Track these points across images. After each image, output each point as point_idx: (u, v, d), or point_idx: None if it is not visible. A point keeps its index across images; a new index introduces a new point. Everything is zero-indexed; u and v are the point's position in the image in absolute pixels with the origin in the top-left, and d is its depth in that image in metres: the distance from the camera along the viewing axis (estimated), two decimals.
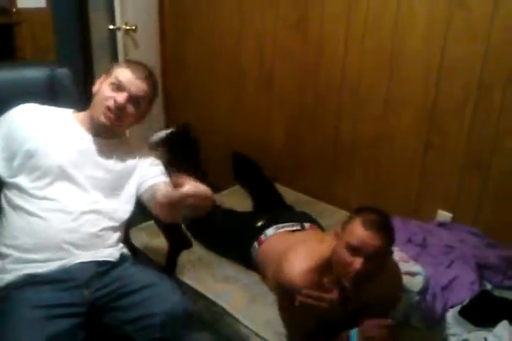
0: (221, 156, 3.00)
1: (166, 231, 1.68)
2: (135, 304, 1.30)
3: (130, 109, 1.44)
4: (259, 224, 2.02)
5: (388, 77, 2.24)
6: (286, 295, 1.65)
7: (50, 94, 1.61)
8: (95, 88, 1.48)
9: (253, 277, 2.03)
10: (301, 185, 2.69)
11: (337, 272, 1.50)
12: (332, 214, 2.47)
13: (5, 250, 1.33)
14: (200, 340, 1.31)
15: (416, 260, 1.97)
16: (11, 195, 1.38)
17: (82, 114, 1.51)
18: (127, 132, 1.64)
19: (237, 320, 1.82)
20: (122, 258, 1.44)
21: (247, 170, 2.74)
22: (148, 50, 3.01)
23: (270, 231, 1.96)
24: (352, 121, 2.43)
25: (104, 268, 1.37)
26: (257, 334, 1.76)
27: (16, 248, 1.32)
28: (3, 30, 2.43)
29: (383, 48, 2.21)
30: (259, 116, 2.83)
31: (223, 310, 1.87)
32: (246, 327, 1.79)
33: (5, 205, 1.39)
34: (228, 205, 2.38)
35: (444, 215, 2.23)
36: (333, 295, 1.53)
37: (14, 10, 2.40)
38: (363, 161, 2.45)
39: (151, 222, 2.04)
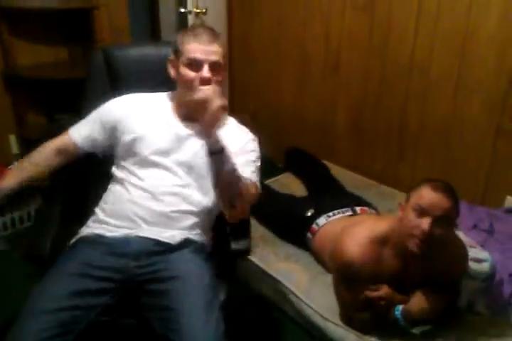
0: (284, 140, 3.04)
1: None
2: (162, 292, 1.31)
3: (216, 76, 1.41)
4: (309, 214, 2.03)
5: (460, 60, 2.20)
6: (343, 280, 1.68)
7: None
8: (172, 73, 1.48)
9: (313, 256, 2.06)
10: (363, 168, 2.70)
11: (403, 238, 1.51)
12: (395, 197, 2.46)
13: (97, 210, 1.48)
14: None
15: (482, 246, 1.96)
16: (116, 165, 1.53)
17: (175, 97, 1.52)
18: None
19: (300, 299, 1.87)
20: (185, 243, 1.42)
21: (299, 160, 2.73)
22: None
23: (321, 220, 1.97)
24: (420, 105, 2.40)
25: (160, 248, 1.39)
26: (319, 314, 1.80)
27: (101, 209, 1.46)
28: (82, 15, 2.55)
29: (456, 31, 2.17)
30: (323, 100, 2.84)
31: (287, 289, 1.92)
32: (308, 306, 1.84)
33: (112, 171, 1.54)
34: (282, 190, 2.43)
35: None
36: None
37: None
38: (430, 145, 2.43)
39: None
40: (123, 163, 1.49)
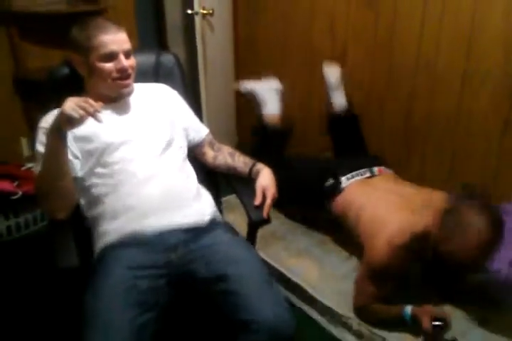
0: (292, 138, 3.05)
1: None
2: (221, 278, 1.31)
3: (130, 61, 1.46)
4: (329, 182, 2.07)
5: (466, 54, 2.20)
6: (372, 274, 1.69)
7: (155, 78, 1.72)
8: (83, 72, 1.47)
9: (324, 248, 2.11)
10: None
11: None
12: None
13: (106, 214, 1.44)
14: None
15: None
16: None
17: (92, 92, 1.49)
18: None
19: (310, 294, 1.90)
20: (213, 223, 1.48)
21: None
22: (223, 34, 3.09)
23: (343, 183, 2.02)
24: (427, 99, 2.40)
25: (192, 233, 1.41)
26: (329, 307, 1.83)
27: (114, 210, 1.43)
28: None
29: (462, 25, 2.18)
30: None
31: (296, 285, 1.95)
32: (319, 301, 1.87)
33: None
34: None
35: None
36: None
37: None
38: (438, 140, 2.43)
39: (229, 197, 2.14)
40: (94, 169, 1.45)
